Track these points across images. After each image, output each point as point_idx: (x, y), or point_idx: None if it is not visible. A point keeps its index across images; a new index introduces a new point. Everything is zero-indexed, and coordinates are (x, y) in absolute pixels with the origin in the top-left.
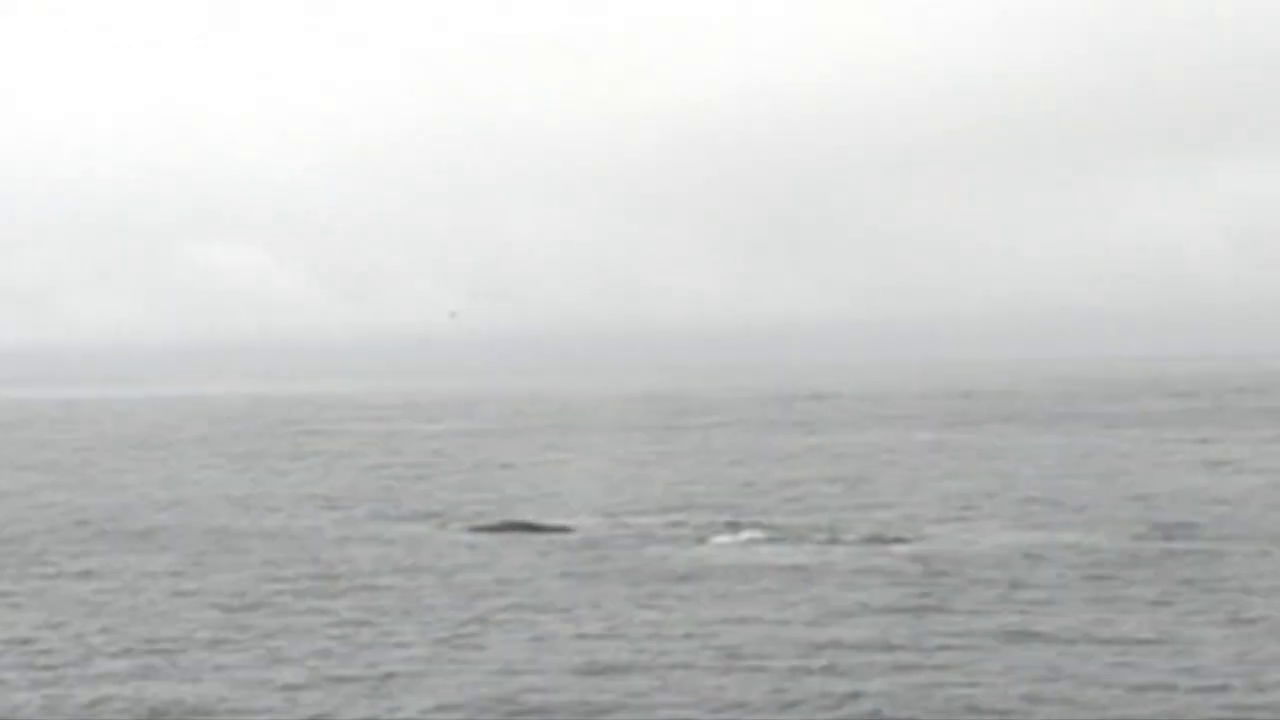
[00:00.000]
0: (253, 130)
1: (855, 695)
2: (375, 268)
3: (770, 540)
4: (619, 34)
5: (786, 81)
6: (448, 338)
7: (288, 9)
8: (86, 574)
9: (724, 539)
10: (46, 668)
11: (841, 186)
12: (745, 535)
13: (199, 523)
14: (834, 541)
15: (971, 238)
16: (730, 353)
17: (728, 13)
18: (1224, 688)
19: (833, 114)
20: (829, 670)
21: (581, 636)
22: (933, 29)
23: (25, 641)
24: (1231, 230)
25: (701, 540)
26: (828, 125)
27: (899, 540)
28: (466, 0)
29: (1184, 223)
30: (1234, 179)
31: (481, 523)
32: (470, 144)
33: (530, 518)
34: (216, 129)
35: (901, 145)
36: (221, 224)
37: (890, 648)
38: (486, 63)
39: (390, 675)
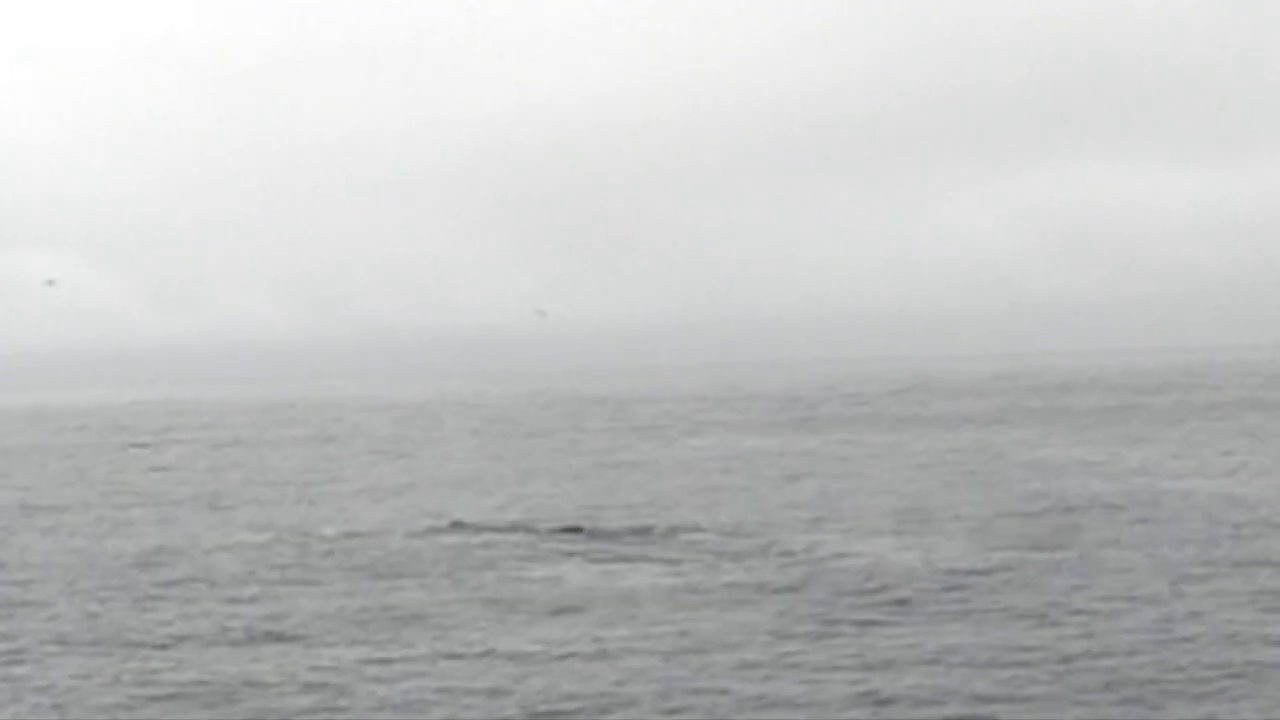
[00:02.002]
0: (67, 140)
1: None
2: (194, 276)
3: (620, 558)
4: (428, 43)
5: (599, 88)
6: (271, 346)
7: (98, 14)
8: None
9: (572, 552)
10: None
11: (654, 191)
12: (596, 549)
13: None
14: (688, 555)
15: (785, 240)
16: (549, 357)
17: (536, 22)
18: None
19: (645, 120)
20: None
21: (448, 658)
22: (742, 34)
23: None
24: (1038, 231)
25: (549, 555)
26: (641, 131)
27: (758, 553)
28: (280, 8)
29: (991, 224)
30: (1039, 181)
31: (317, 532)
32: (283, 154)
33: (367, 527)
34: (27, 138)
35: (715, 149)
36: (36, 233)
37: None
38: (299, 74)
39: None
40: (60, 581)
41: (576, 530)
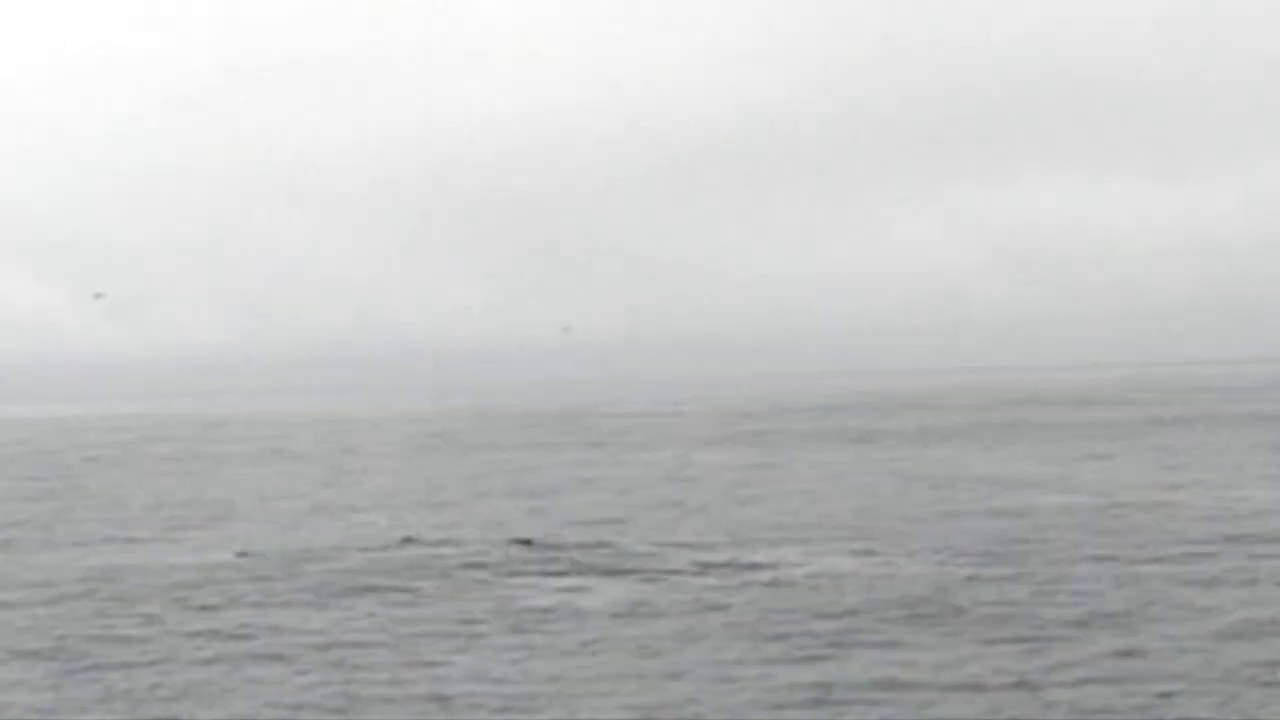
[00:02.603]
0: (11, 153)
1: None
2: (140, 290)
3: (576, 574)
4: (375, 58)
5: (547, 103)
6: (219, 360)
7: (43, 28)
8: None
9: (527, 568)
10: None
11: (600, 206)
12: (550, 565)
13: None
14: (646, 571)
15: (734, 255)
16: (495, 371)
17: (481, 39)
18: None
19: (594, 135)
20: None
21: (398, 682)
22: (691, 50)
23: None
24: (986, 246)
25: (503, 571)
26: (589, 146)
27: (717, 569)
28: (225, 24)
29: (940, 239)
30: (988, 196)
31: (275, 549)
32: (229, 166)
33: (327, 544)
34: None
35: (659, 166)
36: None
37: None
38: (244, 85)
39: None
40: (18, 599)
41: (530, 545)
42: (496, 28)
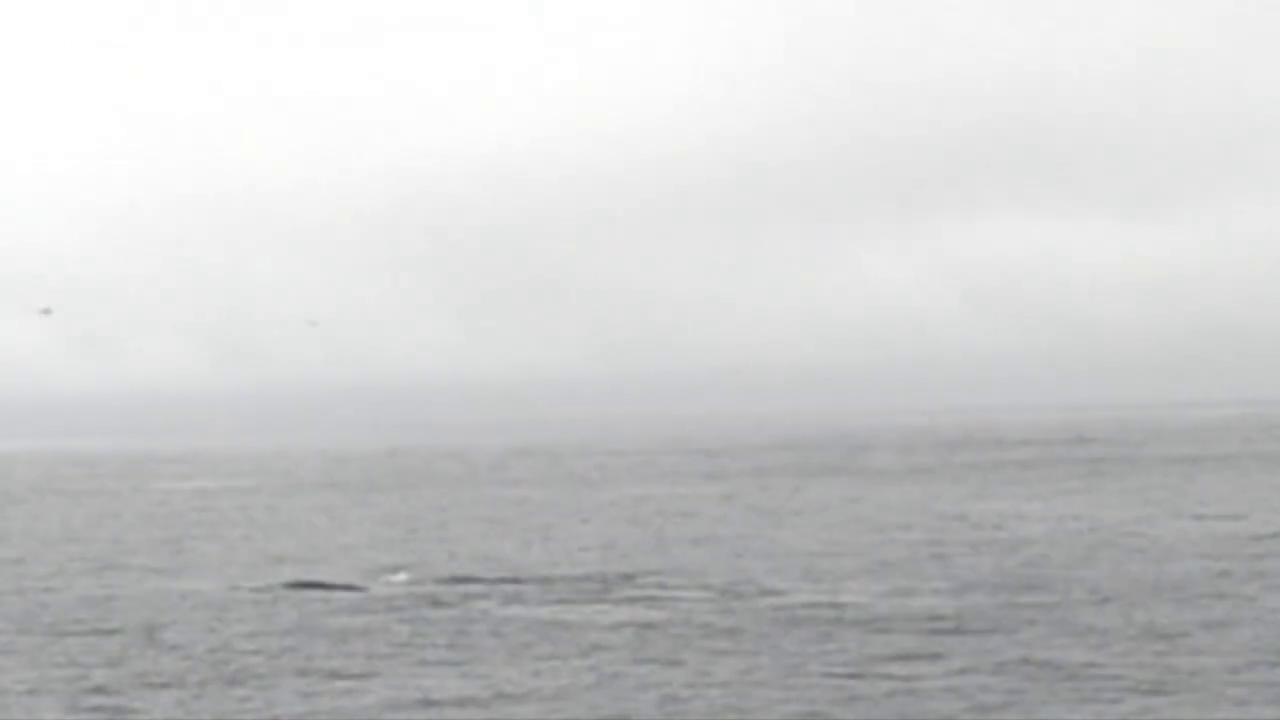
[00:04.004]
0: None
1: None
2: (114, 326)
3: (575, 603)
4: (354, 94)
5: (524, 140)
6: (193, 397)
7: (18, 59)
8: None
9: (526, 599)
10: None
11: (577, 244)
12: (547, 596)
13: None
14: (647, 601)
15: (707, 294)
16: (473, 410)
17: (460, 76)
18: None
19: (568, 173)
20: None
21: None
22: (665, 90)
23: None
24: (955, 286)
25: (518, 598)
26: (557, 184)
27: (719, 599)
28: (205, 59)
29: (908, 278)
30: (957, 236)
31: (266, 582)
32: (206, 202)
33: (318, 577)
34: None
35: (637, 204)
36: None
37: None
38: (222, 121)
39: None
40: (14, 630)
41: (527, 577)
42: (471, 61)
